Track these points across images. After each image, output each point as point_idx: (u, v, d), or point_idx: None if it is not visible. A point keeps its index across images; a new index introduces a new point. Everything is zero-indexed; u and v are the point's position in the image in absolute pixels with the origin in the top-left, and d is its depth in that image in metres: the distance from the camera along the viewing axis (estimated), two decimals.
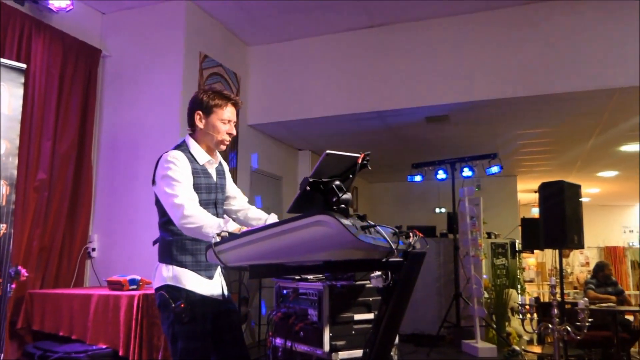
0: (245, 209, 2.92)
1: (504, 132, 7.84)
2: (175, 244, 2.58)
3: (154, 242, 2.69)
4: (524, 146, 8.78)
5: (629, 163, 10.02)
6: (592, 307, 6.36)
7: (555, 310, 4.36)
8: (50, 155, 5.10)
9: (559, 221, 5.05)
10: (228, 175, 2.92)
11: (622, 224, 16.62)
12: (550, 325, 4.41)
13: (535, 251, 11.78)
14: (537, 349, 6.66)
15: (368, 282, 2.70)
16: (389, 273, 2.12)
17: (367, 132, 7.69)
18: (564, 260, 14.98)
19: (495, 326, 6.94)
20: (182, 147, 2.67)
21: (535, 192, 5.30)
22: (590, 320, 4.30)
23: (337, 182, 1.92)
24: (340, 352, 3.11)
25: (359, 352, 3.04)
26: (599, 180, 12.37)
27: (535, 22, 5.93)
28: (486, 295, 7.26)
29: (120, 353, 4.17)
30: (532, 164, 10.45)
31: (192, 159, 2.63)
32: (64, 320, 4.49)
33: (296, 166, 8.88)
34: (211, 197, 2.68)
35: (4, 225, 3.91)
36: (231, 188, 2.92)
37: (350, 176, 2.00)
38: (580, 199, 5.33)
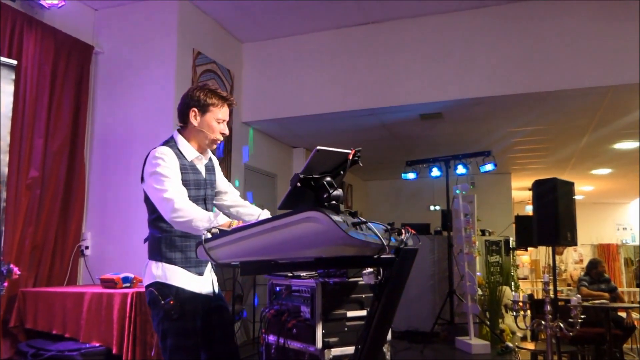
0: (238, 205, 2.91)
1: (497, 130, 7.86)
2: (164, 240, 2.57)
3: (145, 240, 2.68)
4: (517, 144, 8.80)
5: (622, 161, 10.06)
6: (585, 304, 6.38)
7: (548, 307, 4.37)
8: (42, 153, 5.07)
9: (552, 218, 5.04)
10: (218, 170, 2.90)
11: (616, 221, 16.69)
12: (543, 322, 4.42)
13: (529, 248, 11.82)
14: (530, 346, 6.67)
15: (361, 279, 2.70)
16: (381, 270, 2.12)
17: (362, 129, 7.69)
18: (558, 257, 15.09)
19: (488, 323, 6.95)
20: (170, 143, 2.66)
21: (530, 189, 5.29)
22: (582, 317, 4.32)
23: (328, 179, 1.91)
24: (332, 349, 3.10)
25: (351, 349, 3.04)
26: (593, 178, 12.42)
27: (528, 20, 5.94)
28: (480, 292, 7.27)
29: (114, 351, 4.16)
30: (526, 161, 10.47)
31: (180, 155, 2.61)
32: (57, 319, 4.48)
33: (290, 163, 8.88)
34: (200, 193, 2.67)
35: None
36: (222, 183, 2.90)
37: (341, 172, 1.99)
38: (573, 197, 5.34)
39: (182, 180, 2.56)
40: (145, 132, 5.57)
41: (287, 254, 1.88)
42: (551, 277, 5.40)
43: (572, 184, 5.45)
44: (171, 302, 2.45)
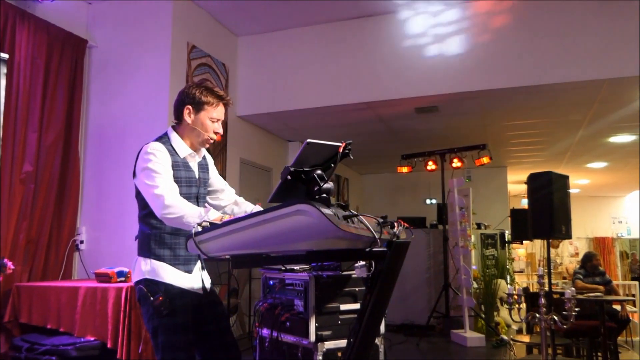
0: (233, 203, 2.90)
1: (493, 123, 7.86)
2: (153, 237, 2.56)
3: (136, 238, 2.68)
4: (513, 137, 8.81)
5: (618, 154, 10.08)
6: (580, 296, 6.40)
7: (543, 300, 4.38)
8: (36, 147, 5.05)
9: (546, 212, 5.05)
10: (213, 168, 2.89)
11: (611, 214, 16.75)
12: (537, 315, 4.44)
13: (525, 242, 11.84)
14: (525, 339, 6.69)
15: (354, 272, 2.71)
16: (373, 263, 2.12)
17: (358, 123, 7.69)
18: (553, 251, 15.16)
19: (483, 316, 6.98)
20: (163, 139, 2.64)
21: (525, 183, 5.30)
22: (577, 309, 4.33)
23: (319, 172, 1.91)
24: (326, 342, 3.10)
25: (345, 342, 3.04)
26: (588, 172, 12.44)
27: (524, 14, 5.93)
28: (475, 285, 7.29)
29: (109, 345, 4.17)
30: (522, 155, 10.49)
31: (172, 151, 2.60)
32: (52, 313, 4.48)
33: (286, 157, 8.86)
34: (192, 190, 2.66)
35: None
36: (217, 181, 2.89)
37: (332, 165, 1.98)
38: (568, 190, 5.34)
39: (174, 177, 2.55)
40: (140, 126, 5.56)
41: (278, 247, 1.87)
42: (546, 270, 5.42)
43: (567, 177, 5.45)
44: (160, 299, 2.44)
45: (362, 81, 6.54)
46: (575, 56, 5.73)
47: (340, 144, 1.96)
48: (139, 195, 2.58)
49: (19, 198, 4.85)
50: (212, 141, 2.71)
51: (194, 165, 2.71)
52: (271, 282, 3.53)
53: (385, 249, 2.03)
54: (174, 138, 2.66)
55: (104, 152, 5.74)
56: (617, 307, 7.51)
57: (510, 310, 4.47)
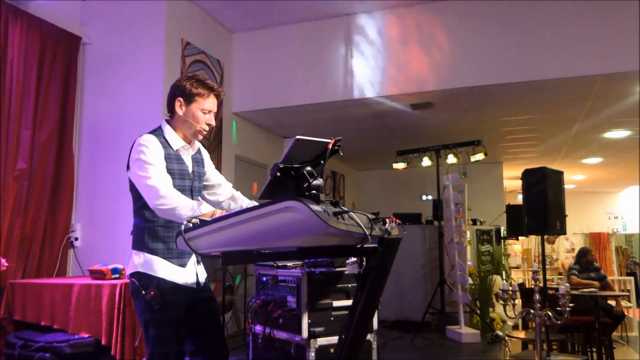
0: (230, 198, 2.90)
1: (488, 119, 7.86)
2: (147, 230, 2.57)
3: (131, 233, 2.68)
4: (508, 133, 8.81)
5: (613, 150, 10.09)
6: (574, 292, 6.41)
7: (537, 296, 4.39)
8: (29, 144, 5.04)
9: (541, 207, 5.05)
10: (209, 163, 2.89)
11: (607, 210, 16.78)
12: (531, 311, 4.45)
13: (521, 238, 11.86)
14: (521, 334, 6.71)
15: (346, 268, 2.70)
16: (364, 259, 2.12)
17: (353, 119, 7.68)
18: (550, 246, 15.18)
19: (479, 312, 6.99)
20: (156, 131, 2.66)
21: (521, 178, 5.31)
22: (571, 305, 4.34)
23: (309, 168, 1.91)
24: (318, 339, 3.10)
25: (337, 339, 3.04)
26: (584, 167, 12.46)
27: (518, 10, 5.93)
28: (470, 281, 7.30)
29: (103, 342, 4.17)
30: (518, 150, 10.50)
31: (165, 143, 2.61)
32: (46, 310, 4.48)
33: (281, 154, 8.83)
34: (185, 183, 2.66)
35: None
36: (214, 176, 2.89)
37: (322, 162, 1.98)
38: (562, 186, 5.35)
39: (167, 169, 2.55)
40: (134, 122, 5.55)
41: (268, 244, 1.87)
42: (540, 266, 5.43)
43: (561, 173, 5.46)
44: (152, 293, 2.45)
45: (357, 77, 6.53)
46: (570, 52, 5.73)
47: (329, 141, 1.96)
48: (132, 188, 2.58)
49: (12, 195, 4.84)
50: (204, 132, 2.70)
51: (187, 158, 2.71)
52: (264, 279, 3.53)
53: (376, 245, 2.03)
54: (167, 130, 2.67)
55: (98, 149, 5.73)
56: (612, 302, 7.53)
57: (504, 306, 4.49)
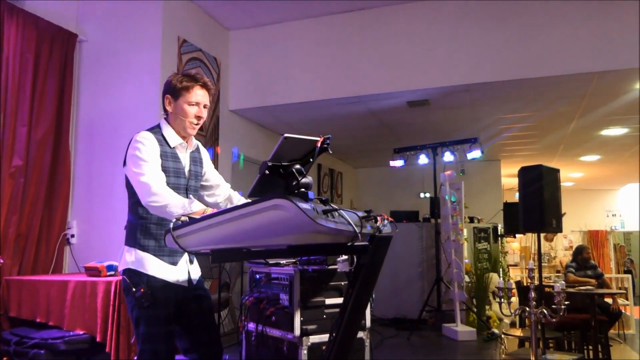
0: (227, 199, 2.91)
1: (484, 117, 7.86)
2: (139, 227, 2.58)
3: (125, 228, 2.69)
4: (506, 130, 8.81)
5: (610, 147, 10.10)
6: (570, 290, 6.42)
7: (533, 294, 4.40)
8: (26, 141, 5.04)
9: (537, 205, 5.07)
10: (208, 163, 2.89)
11: (605, 207, 16.79)
12: (527, 308, 4.45)
13: (519, 235, 11.87)
14: (517, 332, 6.72)
15: None
16: (355, 257, 2.13)
17: (350, 117, 7.68)
18: (548, 244, 15.19)
19: (475, 310, 6.99)
20: (154, 129, 2.67)
21: (517, 176, 5.32)
22: (566, 302, 4.35)
23: (297, 166, 1.91)
24: (311, 336, 3.11)
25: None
26: (582, 165, 12.46)
27: (514, 7, 5.93)
28: (467, 279, 7.31)
29: (98, 339, 4.17)
30: (515, 148, 10.50)
31: (162, 141, 2.62)
32: (41, 307, 4.48)
33: None
34: (180, 181, 2.67)
35: None
36: (213, 177, 2.89)
37: (311, 160, 1.99)
38: (559, 183, 5.36)
39: (162, 167, 2.57)
40: (130, 120, 5.55)
41: (257, 242, 1.87)
42: (536, 264, 5.44)
43: (557, 170, 5.46)
44: (142, 290, 2.45)
45: (354, 75, 6.53)
46: (565, 49, 5.73)
47: (318, 139, 1.96)
48: (128, 184, 2.60)
49: (8, 192, 4.84)
50: (195, 126, 2.69)
51: (184, 156, 2.72)
52: (257, 276, 3.54)
53: (367, 243, 2.04)
54: (165, 128, 2.69)
55: (94, 146, 5.73)
56: (609, 300, 7.54)
57: (500, 303, 4.50)
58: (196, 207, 2.28)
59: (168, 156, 2.62)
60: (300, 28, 6.83)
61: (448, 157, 7.42)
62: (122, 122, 5.60)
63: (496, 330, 6.53)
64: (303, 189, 1.88)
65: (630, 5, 5.47)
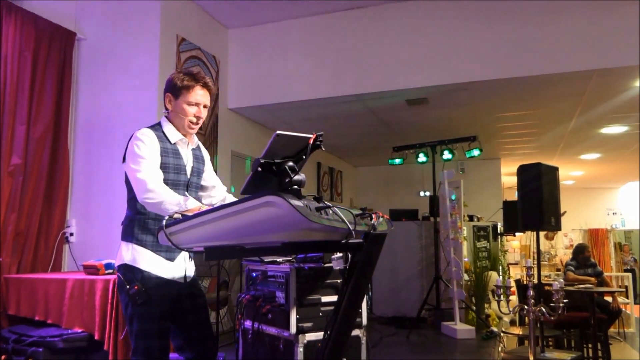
0: (222, 201, 2.91)
1: (484, 115, 7.86)
2: (137, 222, 2.59)
3: (122, 223, 2.69)
4: (505, 129, 8.81)
5: (610, 145, 10.09)
6: (569, 288, 6.43)
7: (531, 292, 4.40)
8: (24, 140, 5.04)
9: (536, 203, 5.07)
10: (208, 163, 2.91)
11: (606, 206, 16.78)
12: (525, 307, 4.46)
13: (519, 234, 11.87)
14: (517, 330, 6.73)
15: None
16: (349, 255, 2.13)
17: (349, 115, 7.68)
18: (548, 243, 15.17)
19: (474, 308, 6.99)
20: (155, 126, 2.69)
21: (516, 174, 5.32)
22: (565, 301, 4.35)
23: (290, 163, 1.91)
24: (307, 334, 3.11)
25: None
26: (582, 163, 12.45)
27: (513, 5, 5.92)
28: (466, 277, 7.30)
29: (96, 337, 4.17)
30: (515, 146, 10.49)
31: (163, 137, 2.63)
32: (40, 305, 4.48)
33: None
34: (180, 178, 2.67)
35: None
36: (210, 178, 2.90)
37: (304, 157, 1.99)
38: (558, 181, 5.36)
39: (162, 163, 2.58)
40: (129, 118, 5.55)
41: (251, 239, 1.87)
42: (535, 262, 5.44)
43: (556, 168, 5.46)
44: (135, 288, 2.46)
45: (352, 73, 6.53)
46: (565, 47, 5.72)
47: (310, 136, 1.96)
48: (127, 180, 2.61)
49: (7, 190, 4.84)
50: (193, 126, 2.70)
51: (185, 152, 2.72)
52: (254, 274, 3.54)
53: (361, 240, 2.04)
54: (165, 125, 2.70)
55: (93, 145, 5.73)
56: (609, 298, 7.54)
57: (498, 302, 4.50)
58: (191, 205, 2.29)
59: (169, 152, 2.62)
60: (300, 26, 6.83)
61: (447, 155, 7.41)
62: (121, 120, 5.61)
63: (495, 329, 6.52)
64: (296, 186, 1.88)
65: (629, 3, 5.46)
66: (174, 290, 2.61)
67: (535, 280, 4.99)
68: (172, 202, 2.32)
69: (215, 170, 3.06)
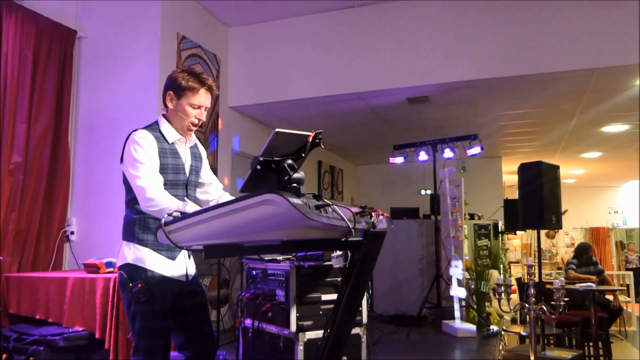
0: (218, 198, 2.91)
1: (484, 113, 7.85)
2: (138, 222, 2.58)
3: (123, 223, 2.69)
4: (506, 127, 8.80)
5: (612, 144, 10.08)
6: (570, 286, 6.42)
7: (532, 290, 4.40)
8: (25, 138, 5.04)
9: (536, 202, 5.07)
10: (205, 161, 2.90)
11: (607, 204, 16.76)
12: (526, 305, 4.46)
13: (520, 232, 11.86)
14: (518, 329, 6.72)
15: None
16: (349, 253, 2.12)
17: (350, 113, 7.68)
18: (549, 241, 15.16)
19: (475, 307, 6.98)
20: (152, 126, 2.66)
21: (517, 173, 5.31)
22: (566, 299, 4.35)
23: (289, 161, 1.91)
24: (307, 332, 3.11)
25: None
26: (583, 161, 12.44)
27: (514, 3, 5.91)
28: (467, 276, 7.29)
29: (97, 335, 4.17)
30: (516, 145, 10.48)
31: (160, 138, 2.61)
32: (41, 303, 4.48)
33: None
34: (179, 177, 2.66)
35: None
36: (206, 174, 2.89)
37: (303, 155, 1.98)
38: (558, 180, 5.36)
39: (161, 164, 2.56)
40: (130, 116, 5.56)
41: (250, 237, 1.87)
42: (536, 261, 5.43)
43: (557, 167, 5.46)
44: (139, 286, 2.46)
45: (353, 71, 6.53)
46: (566, 45, 5.72)
47: (309, 133, 1.96)
48: (125, 181, 2.60)
49: (7, 189, 4.84)
50: (193, 128, 2.70)
51: (183, 151, 2.71)
52: (254, 272, 3.54)
53: (361, 238, 2.03)
54: (163, 124, 2.68)
55: (94, 143, 5.73)
56: (610, 297, 7.54)
57: (499, 300, 4.50)
58: (191, 210, 2.29)
59: (167, 153, 2.61)
60: (300, 24, 6.83)
61: (448, 153, 7.39)
62: (121, 118, 5.61)
63: (496, 327, 6.51)
64: (295, 184, 1.87)
65: (630, 2, 5.45)
66: (176, 289, 2.61)
67: (536, 279, 4.99)
68: (172, 208, 2.31)
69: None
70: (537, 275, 5.11)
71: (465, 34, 6.08)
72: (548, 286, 5.99)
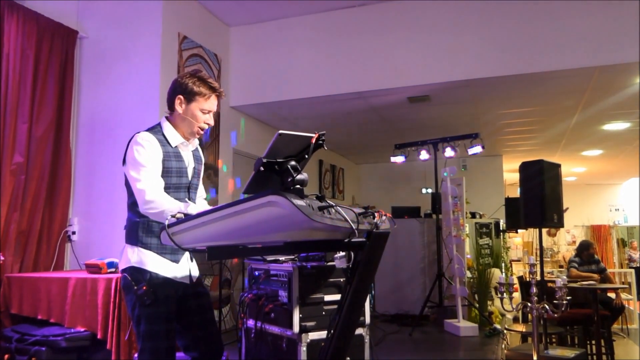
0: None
1: (486, 112, 7.85)
2: (141, 225, 2.57)
3: (125, 227, 2.68)
4: (507, 125, 8.79)
5: (612, 142, 10.07)
6: (572, 285, 6.42)
7: (534, 289, 4.39)
8: (26, 138, 5.04)
9: (538, 200, 5.06)
10: (203, 164, 2.89)
11: (608, 202, 16.74)
12: (529, 304, 4.45)
13: (521, 230, 11.86)
14: (520, 327, 6.71)
15: None
16: (352, 253, 2.12)
17: (351, 112, 7.67)
18: (551, 239, 15.15)
19: (477, 305, 6.98)
20: (155, 129, 2.65)
21: (518, 171, 5.30)
22: (568, 297, 4.35)
23: (293, 163, 1.91)
24: (310, 333, 3.10)
25: None
26: (584, 159, 12.43)
27: (515, 2, 5.91)
28: (469, 274, 7.28)
29: (99, 336, 4.18)
30: (517, 143, 10.48)
31: (164, 141, 2.60)
32: (42, 304, 4.49)
33: None
34: (182, 181, 2.66)
35: None
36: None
37: (306, 156, 1.98)
38: (560, 178, 5.35)
39: (164, 167, 2.56)
40: (131, 116, 5.56)
41: (253, 239, 1.87)
42: (537, 259, 5.43)
43: (558, 165, 5.45)
44: (144, 288, 2.45)
45: (354, 70, 6.53)
46: (566, 43, 5.71)
47: (313, 135, 1.95)
48: (127, 183, 2.59)
49: (9, 189, 4.85)
50: (202, 132, 2.70)
51: (186, 154, 2.71)
52: (256, 273, 3.54)
53: (364, 239, 2.03)
54: (166, 127, 2.66)
55: (95, 143, 5.73)
56: (612, 295, 7.53)
57: (501, 299, 4.49)
58: (192, 211, 2.28)
59: (171, 156, 2.60)
60: (301, 24, 6.82)
61: (449, 152, 7.39)
62: (123, 118, 5.61)
63: (498, 326, 6.51)
64: (298, 185, 1.87)
65: (630, 0, 5.45)
66: (180, 291, 2.61)
67: (538, 277, 4.98)
68: (172, 210, 2.30)
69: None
70: (539, 274, 5.10)
71: (466, 33, 6.08)
72: (550, 284, 6.00)
